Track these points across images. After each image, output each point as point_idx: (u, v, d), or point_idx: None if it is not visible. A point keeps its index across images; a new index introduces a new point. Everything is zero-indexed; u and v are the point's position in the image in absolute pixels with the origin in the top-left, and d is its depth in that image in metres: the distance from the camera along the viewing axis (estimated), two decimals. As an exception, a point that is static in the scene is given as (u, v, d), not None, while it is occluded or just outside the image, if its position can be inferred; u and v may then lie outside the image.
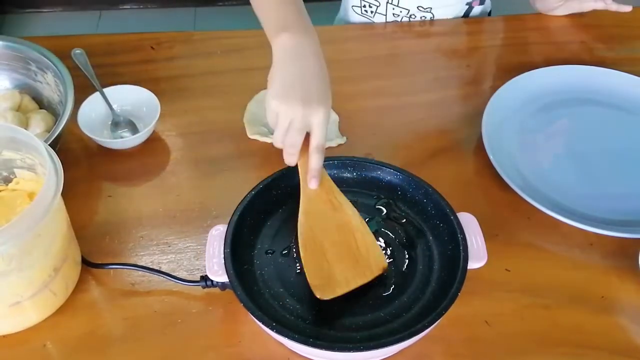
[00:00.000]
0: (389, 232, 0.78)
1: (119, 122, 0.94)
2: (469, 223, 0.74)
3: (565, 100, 1.01)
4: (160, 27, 1.19)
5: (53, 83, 0.93)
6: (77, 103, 0.88)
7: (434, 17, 1.15)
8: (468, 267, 0.70)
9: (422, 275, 0.74)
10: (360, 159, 0.82)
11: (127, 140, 0.90)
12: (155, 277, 0.78)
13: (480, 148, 0.90)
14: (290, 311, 0.70)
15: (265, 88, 0.74)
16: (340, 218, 0.75)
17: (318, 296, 0.70)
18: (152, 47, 1.10)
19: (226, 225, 0.73)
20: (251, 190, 0.76)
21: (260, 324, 0.66)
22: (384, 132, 0.97)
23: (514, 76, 1.00)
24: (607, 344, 0.73)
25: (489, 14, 1.25)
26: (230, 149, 0.94)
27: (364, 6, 1.16)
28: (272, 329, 0.65)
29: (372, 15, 1.17)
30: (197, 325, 0.74)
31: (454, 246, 0.73)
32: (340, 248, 0.73)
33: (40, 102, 0.96)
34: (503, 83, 0.98)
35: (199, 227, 0.83)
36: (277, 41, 0.74)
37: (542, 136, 0.96)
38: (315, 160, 0.73)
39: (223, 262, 0.70)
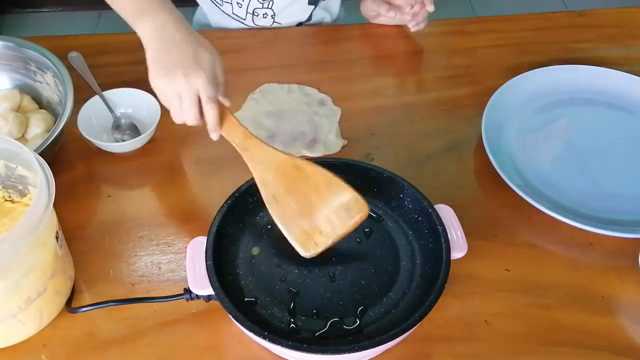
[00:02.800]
0: (369, 231, 0.77)
1: (119, 125, 0.94)
2: (446, 214, 0.75)
3: (565, 100, 1.01)
4: (160, 27, 1.18)
5: (53, 83, 0.92)
6: (77, 103, 0.88)
7: (274, 14, 1.15)
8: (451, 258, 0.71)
9: (406, 271, 0.74)
10: (332, 159, 0.81)
11: (126, 144, 0.90)
12: (155, 277, 0.78)
13: (480, 148, 0.90)
14: (279, 319, 0.70)
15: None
16: (298, 172, 0.73)
17: (307, 255, 0.71)
18: (151, 47, 1.09)
19: (204, 237, 0.72)
20: (227, 200, 0.76)
21: (252, 334, 0.66)
22: (384, 132, 0.97)
23: (514, 76, 0.99)
24: (607, 344, 0.73)
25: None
26: (230, 148, 0.93)
27: None
28: (264, 338, 0.64)
29: (220, 3, 1.15)
30: (197, 325, 0.74)
31: (435, 238, 0.73)
32: (316, 207, 0.72)
33: (40, 102, 0.96)
34: (503, 83, 0.98)
35: (199, 227, 0.83)
36: (139, 26, 0.76)
37: (542, 136, 0.96)
38: (209, 113, 0.73)
39: (205, 274, 0.69)
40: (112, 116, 0.94)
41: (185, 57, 0.73)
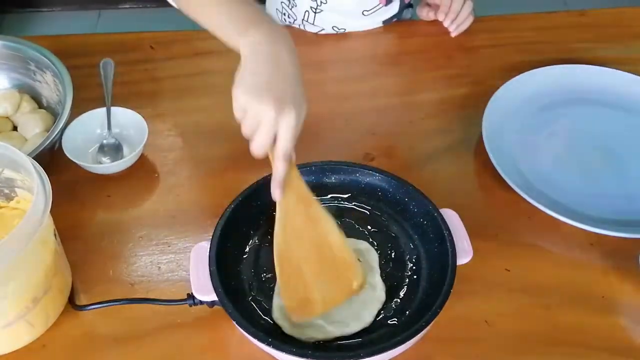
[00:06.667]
0: (374, 234, 0.77)
1: (109, 145, 0.91)
2: (452, 219, 0.74)
3: (565, 100, 1.01)
4: (160, 27, 1.18)
5: (52, 83, 0.92)
6: (77, 103, 0.87)
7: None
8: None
9: (412, 276, 0.74)
10: (338, 162, 0.80)
11: (112, 166, 0.87)
12: (154, 277, 0.78)
13: (480, 148, 0.90)
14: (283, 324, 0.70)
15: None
16: (318, 233, 0.71)
17: (294, 319, 0.69)
18: (151, 47, 1.09)
19: (207, 243, 0.71)
20: (230, 204, 0.75)
21: (255, 340, 0.65)
22: (384, 132, 0.96)
23: (514, 76, 0.99)
24: (607, 344, 0.73)
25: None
26: (230, 148, 0.94)
27: (284, 14, 1.15)
28: (268, 344, 0.64)
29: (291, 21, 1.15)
30: (197, 325, 0.74)
31: (440, 243, 0.73)
32: (317, 266, 0.70)
33: (40, 102, 0.96)
34: (503, 83, 0.98)
35: (198, 227, 0.83)
36: (246, 39, 0.67)
37: (542, 136, 0.95)
38: (279, 169, 0.67)
39: (209, 281, 0.68)
40: (96, 136, 0.91)
41: (285, 88, 0.66)
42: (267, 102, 0.64)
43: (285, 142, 0.65)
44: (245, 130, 0.67)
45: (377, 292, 0.72)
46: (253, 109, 0.65)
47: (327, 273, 0.70)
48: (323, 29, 1.13)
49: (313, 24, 1.13)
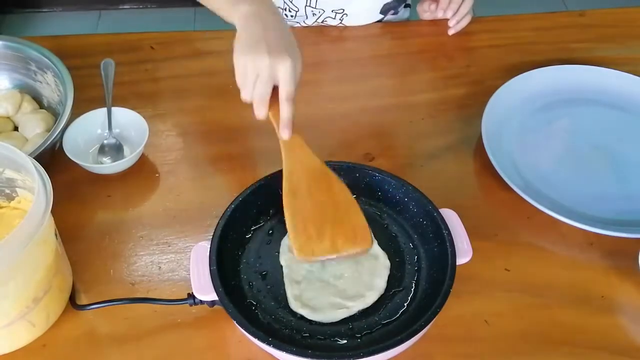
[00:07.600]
0: (373, 234, 0.77)
1: (109, 145, 0.91)
2: (451, 219, 0.74)
3: (565, 100, 1.01)
4: (160, 27, 1.19)
5: (53, 83, 0.93)
6: (77, 103, 0.88)
7: (344, 25, 1.16)
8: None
9: (411, 276, 0.74)
10: (336, 162, 0.80)
11: (112, 166, 0.87)
12: (155, 277, 0.78)
13: (480, 148, 0.90)
14: (283, 323, 0.70)
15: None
16: (326, 182, 0.74)
17: (298, 258, 0.71)
18: (151, 47, 1.10)
19: (207, 243, 0.72)
20: (231, 204, 0.75)
21: (256, 340, 0.65)
22: (384, 132, 0.97)
23: (514, 76, 0.99)
24: (607, 344, 0.73)
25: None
26: (230, 149, 0.94)
27: (285, 9, 1.14)
28: (268, 344, 0.64)
29: (293, 18, 1.16)
30: (197, 325, 0.74)
31: (440, 243, 0.73)
32: (324, 209, 0.73)
33: (40, 102, 0.96)
34: (503, 83, 0.98)
35: (199, 227, 0.83)
36: (237, 12, 0.76)
37: (542, 136, 0.96)
38: (285, 110, 0.72)
39: (209, 280, 0.68)
40: (96, 136, 0.91)
41: (277, 40, 0.73)
42: (262, 53, 0.71)
43: (286, 85, 0.72)
44: (247, 87, 0.73)
45: (380, 260, 0.75)
46: (250, 64, 0.72)
47: (336, 227, 0.72)
48: (323, 11, 1.13)
49: (315, 7, 1.12)
